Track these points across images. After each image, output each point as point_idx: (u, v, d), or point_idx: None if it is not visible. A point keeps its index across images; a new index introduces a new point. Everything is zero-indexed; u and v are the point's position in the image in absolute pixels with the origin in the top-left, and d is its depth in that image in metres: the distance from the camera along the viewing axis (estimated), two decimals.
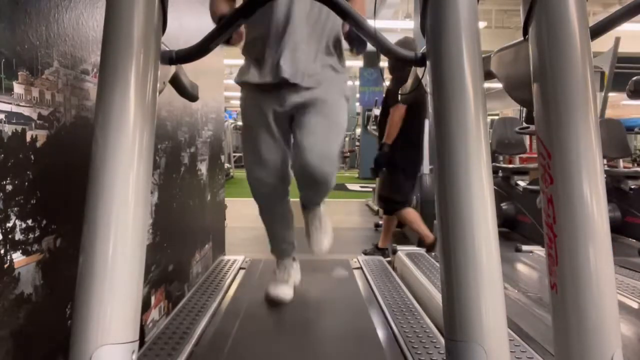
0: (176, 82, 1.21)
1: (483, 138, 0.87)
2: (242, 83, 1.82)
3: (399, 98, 2.05)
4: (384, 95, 3.95)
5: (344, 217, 5.46)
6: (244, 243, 4.01)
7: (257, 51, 1.73)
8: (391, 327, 1.84)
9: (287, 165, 1.84)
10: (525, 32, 0.95)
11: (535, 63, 0.91)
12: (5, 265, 0.98)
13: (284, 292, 2.04)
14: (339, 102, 1.81)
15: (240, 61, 1.82)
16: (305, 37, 1.69)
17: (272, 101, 1.75)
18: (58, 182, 1.17)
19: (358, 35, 1.50)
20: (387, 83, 1.64)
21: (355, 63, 12.24)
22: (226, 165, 7.69)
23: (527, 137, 5.26)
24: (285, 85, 1.71)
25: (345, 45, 1.78)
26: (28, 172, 1.05)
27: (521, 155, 5.16)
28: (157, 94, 0.95)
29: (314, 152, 1.67)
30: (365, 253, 3.57)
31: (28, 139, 1.05)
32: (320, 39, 1.72)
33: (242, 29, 1.52)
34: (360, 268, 2.75)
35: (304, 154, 1.67)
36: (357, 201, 7.06)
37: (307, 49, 1.70)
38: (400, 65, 3.06)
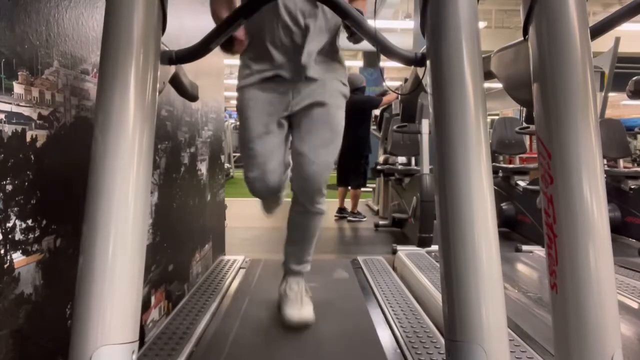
0: (176, 82, 1.21)
1: (483, 138, 0.87)
2: (246, 85, 1.75)
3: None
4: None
5: None
6: (244, 243, 4.01)
7: (262, 49, 1.69)
8: (391, 327, 1.84)
9: (284, 168, 1.81)
10: (525, 32, 0.95)
11: (535, 63, 0.91)
12: (5, 265, 0.98)
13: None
14: (341, 106, 1.80)
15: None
16: (316, 31, 1.67)
17: (279, 98, 1.72)
18: (58, 182, 1.17)
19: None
20: (387, 83, 1.67)
21: (355, 63, 12.23)
22: (226, 165, 7.68)
23: (527, 137, 5.25)
24: (296, 79, 1.69)
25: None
26: (28, 172, 1.05)
27: (521, 155, 5.16)
28: (157, 94, 0.95)
29: (316, 164, 1.70)
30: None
31: (28, 139, 1.05)
32: (326, 33, 1.71)
33: (243, 36, 1.49)
34: (360, 268, 2.75)
35: (306, 166, 1.70)
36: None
37: (317, 43, 1.68)
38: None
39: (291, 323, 1.78)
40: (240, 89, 1.77)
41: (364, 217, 5.48)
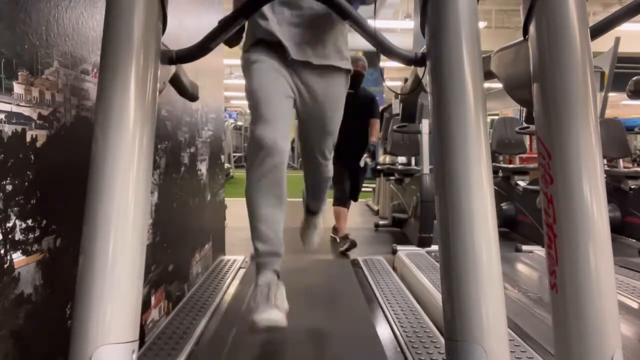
0: (176, 82, 1.21)
1: (483, 138, 0.87)
2: (255, 42, 1.69)
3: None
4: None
5: None
6: (244, 243, 3.99)
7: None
8: (391, 327, 1.84)
9: (290, 121, 1.78)
10: (525, 32, 0.95)
11: (535, 63, 0.91)
12: (5, 265, 0.98)
13: (276, 315, 1.47)
14: (343, 92, 1.79)
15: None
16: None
17: (284, 67, 1.68)
18: (58, 182, 1.17)
19: None
20: (387, 83, 1.64)
21: None
22: (226, 165, 7.68)
23: (527, 137, 5.25)
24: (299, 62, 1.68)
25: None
26: (28, 172, 1.05)
27: (521, 155, 5.16)
28: (157, 94, 0.95)
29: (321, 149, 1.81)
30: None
31: (28, 139, 1.05)
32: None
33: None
34: (361, 268, 2.75)
35: (313, 153, 1.82)
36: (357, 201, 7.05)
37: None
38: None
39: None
40: (245, 56, 1.71)
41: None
